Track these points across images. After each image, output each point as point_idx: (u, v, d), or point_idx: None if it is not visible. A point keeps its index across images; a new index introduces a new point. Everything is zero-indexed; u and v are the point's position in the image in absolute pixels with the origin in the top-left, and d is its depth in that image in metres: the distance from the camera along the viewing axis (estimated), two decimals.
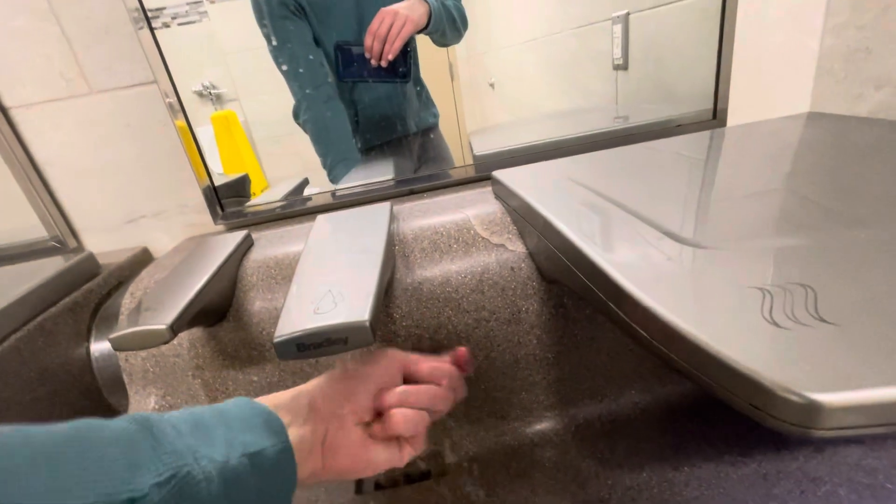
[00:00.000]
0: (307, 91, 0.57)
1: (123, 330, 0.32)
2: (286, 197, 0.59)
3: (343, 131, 0.60)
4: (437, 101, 0.71)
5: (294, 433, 0.27)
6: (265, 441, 0.25)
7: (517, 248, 0.43)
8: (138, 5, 0.45)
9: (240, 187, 0.60)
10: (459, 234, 0.44)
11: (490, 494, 0.40)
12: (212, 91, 0.70)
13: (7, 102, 0.48)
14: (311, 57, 0.56)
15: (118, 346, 0.32)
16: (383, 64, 0.56)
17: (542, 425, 0.46)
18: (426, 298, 0.42)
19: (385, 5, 0.54)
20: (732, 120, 0.56)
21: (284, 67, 0.55)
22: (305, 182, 0.64)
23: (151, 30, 0.47)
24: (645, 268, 0.26)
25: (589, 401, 0.46)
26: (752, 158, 0.44)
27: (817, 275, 0.23)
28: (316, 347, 0.28)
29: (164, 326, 0.32)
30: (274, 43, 0.54)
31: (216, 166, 0.59)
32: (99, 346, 0.44)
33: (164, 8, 0.48)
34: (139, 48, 0.47)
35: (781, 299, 0.21)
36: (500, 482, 0.41)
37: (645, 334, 0.24)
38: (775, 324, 0.20)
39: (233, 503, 0.22)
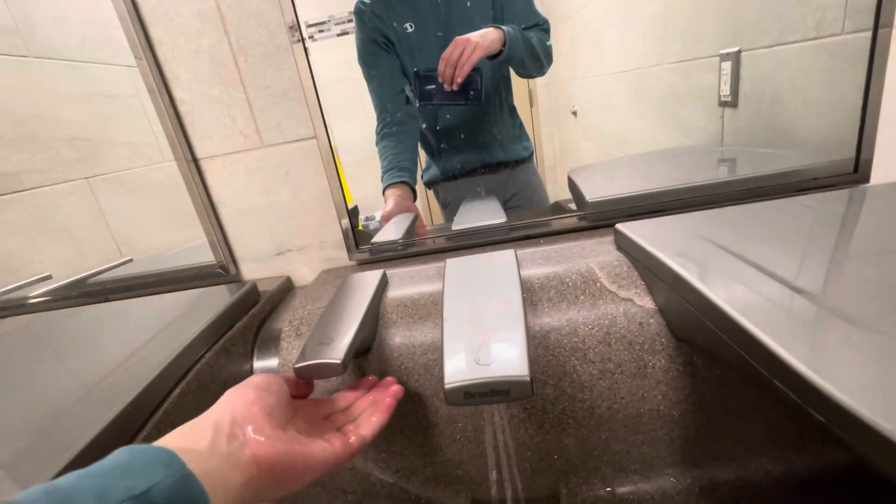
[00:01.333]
0: (386, 115, 0.64)
1: (306, 361, 0.37)
2: (405, 237, 0.64)
3: (405, 146, 0.67)
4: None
5: (200, 458, 0.26)
6: (153, 478, 0.23)
7: (645, 303, 0.44)
8: (308, 71, 0.53)
9: (352, 217, 0.67)
10: (585, 285, 0.46)
11: None
12: None
13: (198, 154, 0.58)
14: (392, 86, 0.63)
15: (301, 374, 0.37)
16: (454, 87, 0.61)
17: (663, 482, 0.45)
18: (553, 347, 0.44)
19: (468, 23, 0.60)
20: (877, 175, 0.53)
21: (374, 97, 0.63)
22: (415, 218, 0.69)
23: (316, 91, 0.54)
24: (807, 346, 0.26)
25: (715, 462, 0.45)
26: None
27: None
28: (481, 396, 0.31)
29: (338, 361, 0.37)
30: (366, 74, 0.62)
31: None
32: (260, 365, 0.51)
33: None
34: (305, 109, 0.55)
35: None
36: None
37: (801, 403, 0.24)
38: None
39: None
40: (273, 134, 0.57)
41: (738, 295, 0.32)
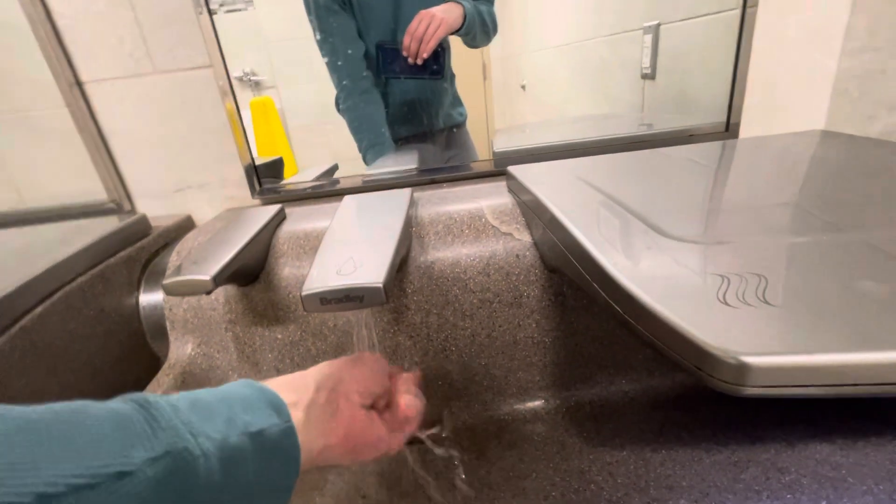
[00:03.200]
0: (345, 82, 0.62)
1: (175, 277, 0.37)
2: (318, 178, 0.64)
3: (377, 120, 0.65)
4: (469, 101, 0.75)
5: (299, 413, 0.27)
6: (267, 421, 0.24)
7: (524, 237, 0.47)
8: None
9: (275, 169, 0.66)
10: (472, 221, 0.48)
11: (479, 458, 0.44)
12: (251, 78, 0.75)
13: (83, 77, 0.54)
14: (351, 51, 0.61)
15: (169, 290, 0.37)
16: (419, 62, 0.61)
17: (536, 403, 0.49)
18: (437, 277, 0.46)
19: (422, 4, 0.58)
20: (745, 133, 0.58)
21: (327, 59, 0.60)
22: (335, 167, 0.69)
23: (211, 17, 0.52)
24: (628, 256, 0.29)
25: (581, 385, 0.49)
26: (755, 169, 0.46)
27: (775, 267, 0.26)
28: (336, 302, 0.32)
29: (208, 277, 0.37)
30: (319, 36, 0.59)
31: (252, 150, 0.64)
32: (147, 297, 0.50)
33: None
34: (199, 34, 0.53)
35: (737, 285, 0.24)
36: (490, 449, 0.45)
37: (620, 310, 0.27)
38: (726, 303, 0.23)
39: (231, 482, 0.22)
40: (165, 59, 0.54)
41: (584, 221, 0.35)
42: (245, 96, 0.71)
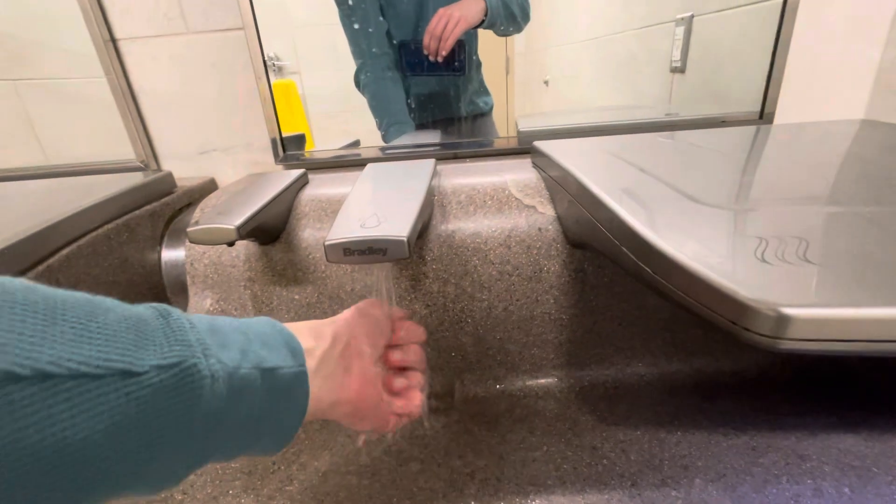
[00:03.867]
0: (368, 58, 0.62)
1: (199, 225, 0.37)
2: (340, 150, 0.64)
3: (398, 98, 0.65)
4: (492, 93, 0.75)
5: (313, 361, 0.26)
6: (281, 360, 0.24)
7: (547, 211, 0.46)
8: None
9: (298, 143, 0.66)
10: (495, 193, 0.48)
11: (491, 430, 0.43)
12: (275, 63, 0.76)
13: (117, 34, 0.55)
14: (372, 29, 0.61)
15: (194, 238, 0.37)
16: (439, 59, 0.61)
17: (549, 381, 0.49)
18: (457, 246, 0.46)
19: (445, 2, 0.59)
20: (780, 121, 0.57)
21: (356, 26, 0.60)
22: (357, 142, 0.69)
23: None
24: (661, 219, 0.29)
25: (596, 366, 0.49)
26: (790, 149, 0.45)
27: (814, 232, 0.25)
28: (360, 254, 0.32)
29: (232, 226, 0.37)
30: (342, 11, 0.59)
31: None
32: (169, 252, 0.51)
33: None
34: None
35: (776, 246, 0.24)
36: (501, 422, 0.44)
37: (650, 271, 0.27)
38: (764, 261, 0.23)
39: (235, 411, 0.21)
40: (199, 20, 0.54)
41: (615, 189, 0.34)
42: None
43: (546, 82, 0.85)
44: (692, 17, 0.64)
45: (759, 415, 0.42)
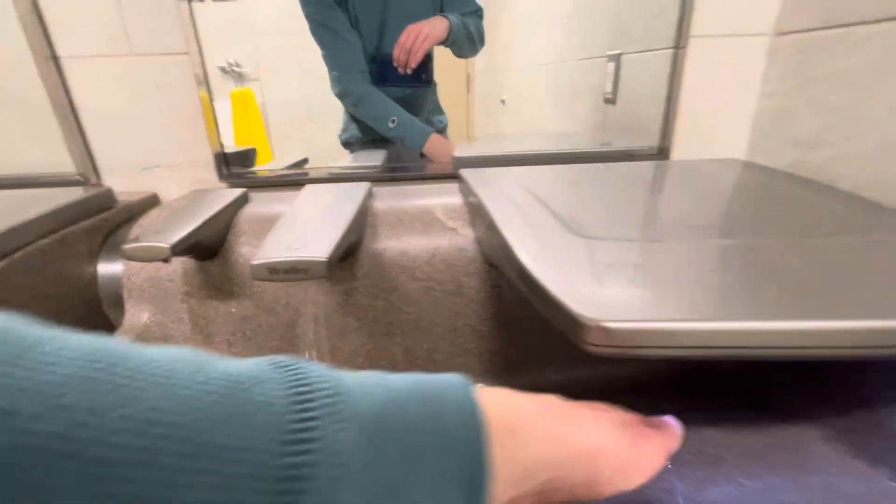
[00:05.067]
0: (350, 72, 0.67)
1: (134, 243, 0.40)
2: (285, 169, 0.67)
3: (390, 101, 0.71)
4: (451, 111, 0.80)
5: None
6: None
7: (467, 233, 0.51)
8: None
9: (246, 158, 0.69)
10: (422, 215, 0.53)
11: None
12: (235, 69, 0.78)
13: (59, 52, 0.56)
14: (352, 40, 0.66)
15: (128, 255, 0.40)
16: (408, 72, 0.67)
17: None
18: (386, 264, 0.50)
19: (405, 19, 0.65)
20: (676, 157, 0.65)
21: (326, 50, 0.65)
22: (305, 161, 0.72)
23: (190, 5, 0.55)
24: (539, 246, 0.34)
25: (514, 371, 0.54)
26: (670, 187, 0.52)
27: (650, 259, 0.31)
28: (284, 272, 0.36)
29: (167, 245, 0.40)
30: (320, 27, 0.64)
31: (229, 139, 0.67)
32: (106, 266, 0.52)
33: None
34: (178, 21, 0.56)
35: (617, 272, 0.30)
36: None
37: (526, 289, 0.32)
38: (601, 283, 0.28)
39: None
40: (143, 42, 0.57)
41: (512, 221, 0.40)
42: (228, 86, 0.73)
43: (503, 101, 0.91)
44: (620, 55, 0.72)
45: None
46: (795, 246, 0.34)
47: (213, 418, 0.14)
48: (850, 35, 0.49)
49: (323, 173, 0.66)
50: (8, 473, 0.11)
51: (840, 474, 0.36)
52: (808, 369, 0.44)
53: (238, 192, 0.55)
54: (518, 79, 0.84)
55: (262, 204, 0.55)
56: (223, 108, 0.64)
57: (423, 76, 0.70)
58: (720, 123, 0.65)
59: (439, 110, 0.81)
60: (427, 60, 0.68)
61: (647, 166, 0.60)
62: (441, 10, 0.68)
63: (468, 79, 0.84)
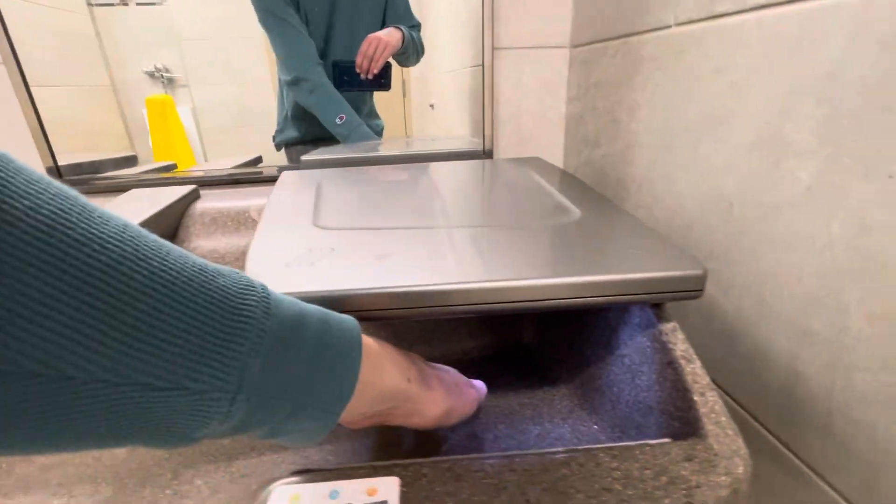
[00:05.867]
0: (306, 62, 0.71)
1: None
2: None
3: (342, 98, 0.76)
4: (391, 115, 0.88)
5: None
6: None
7: None
8: None
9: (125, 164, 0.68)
10: (237, 215, 0.56)
11: None
12: (164, 74, 0.76)
13: None
14: (305, 33, 0.70)
15: None
16: (370, 77, 0.74)
17: None
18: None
19: (349, 29, 0.71)
20: (500, 156, 0.72)
21: (287, 45, 0.68)
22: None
23: (1, 16, 0.56)
24: (278, 244, 0.39)
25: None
26: (448, 182, 0.58)
27: (352, 243, 0.36)
28: None
29: None
30: (275, 22, 0.67)
31: (145, 149, 0.66)
32: None
33: None
34: None
35: (317, 254, 0.34)
36: None
37: None
38: (291, 266, 0.33)
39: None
40: None
41: (279, 215, 0.44)
42: (157, 92, 0.71)
43: (432, 106, 0.95)
44: (482, 65, 0.77)
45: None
46: (501, 232, 0.41)
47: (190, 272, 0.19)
48: (607, 49, 0.57)
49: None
50: None
51: (559, 423, 0.42)
52: (568, 346, 0.51)
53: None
54: (440, 84, 0.90)
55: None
56: (142, 117, 0.61)
57: (383, 81, 0.77)
58: (538, 126, 0.72)
59: (375, 115, 0.86)
60: (387, 67, 0.75)
61: (457, 165, 0.66)
62: (383, 24, 0.75)
63: (404, 85, 0.88)
